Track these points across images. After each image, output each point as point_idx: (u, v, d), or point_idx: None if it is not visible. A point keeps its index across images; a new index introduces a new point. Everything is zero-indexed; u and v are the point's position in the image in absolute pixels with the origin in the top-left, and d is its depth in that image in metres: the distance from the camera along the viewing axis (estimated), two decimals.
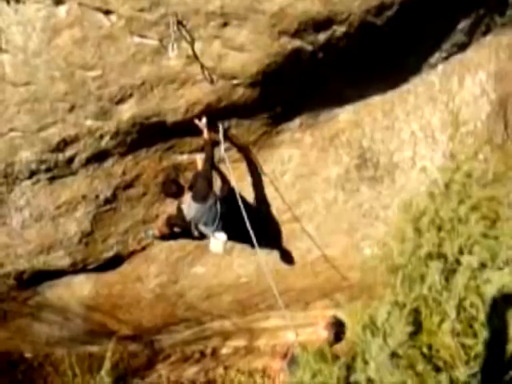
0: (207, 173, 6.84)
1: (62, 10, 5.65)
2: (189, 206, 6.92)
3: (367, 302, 4.09)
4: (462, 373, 3.48)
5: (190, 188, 6.99)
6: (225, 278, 8.50)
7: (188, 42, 5.81)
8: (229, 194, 7.31)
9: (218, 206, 6.92)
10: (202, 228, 7.05)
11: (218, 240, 6.98)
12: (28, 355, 11.16)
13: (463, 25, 6.39)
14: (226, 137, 7.04)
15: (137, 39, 5.84)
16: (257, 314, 9.17)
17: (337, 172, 7.41)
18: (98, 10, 5.63)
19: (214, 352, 10.18)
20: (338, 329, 5.97)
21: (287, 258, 8.06)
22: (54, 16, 5.67)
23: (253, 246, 6.83)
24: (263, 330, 9.49)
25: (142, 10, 5.55)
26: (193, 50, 5.89)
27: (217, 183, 7.43)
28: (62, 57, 5.92)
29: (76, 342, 10.50)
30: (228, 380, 9.37)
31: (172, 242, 8.13)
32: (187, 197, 6.91)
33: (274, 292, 6.10)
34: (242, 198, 6.98)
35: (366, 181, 7.35)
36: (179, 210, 7.11)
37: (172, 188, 7.04)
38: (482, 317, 3.54)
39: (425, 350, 3.56)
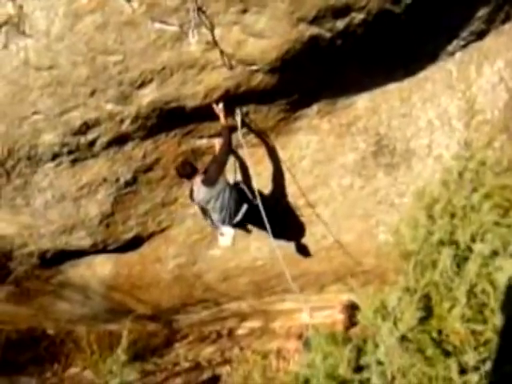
0: (222, 158, 6.84)
1: None
2: (198, 188, 6.96)
3: (380, 287, 4.10)
4: (471, 358, 3.48)
5: (205, 172, 7.02)
6: (241, 260, 8.55)
7: (208, 28, 5.78)
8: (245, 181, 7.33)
9: (227, 193, 6.89)
10: (211, 214, 7.08)
11: (224, 235, 7.02)
12: (50, 332, 11.35)
13: (482, 12, 6.28)
14: (244, 122, 7.05)
15: (157, 25, 5.81)
16: (272, 297, 9.21)
17: (353, 158, 7.38)
18: None
19: (231, 333, 10.27)
20: (353, 312, 5.99)
21: (303, 242, 8.07)
22: (76, 1, 5.63)
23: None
24: (278, 312, 9.53)
25: None
26: (212, 36, 5.86)
27: (233, 170, 7.47)
28: (83, 42, 5.90)
29: (97, 320, 10.64)
30: (243, 360, 9.43)
31: (190, 225, 8.18)
32: (198, 179, 6.94)
33: (287, 276, 6.14)
34: (257, 184, 7.03)
35: (382, 167, 7.31)
36: (191, 191, 7.16)
37: (186, 169, 7.05)
38: (492, 303, 3.54)
39: (434, 334, 3.56)
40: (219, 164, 6.84)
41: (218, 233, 7.20)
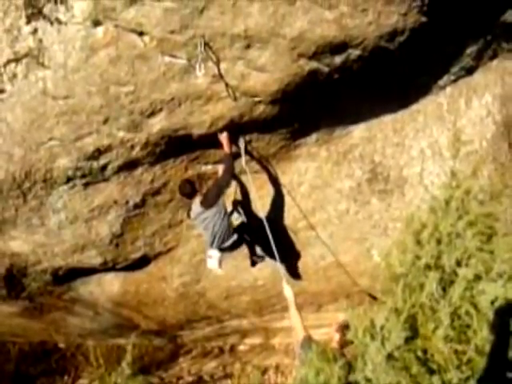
0: (222, 183, 6.84)
1: (99, 30, 5.70)
2: (195, 206, 6.95)
3: (370, 306, 4.12)
4: (454, 376, 3.49)
5: (205, 193, 7.03)
6: (243, 279, 8.53)
7: (214, 62, 5.85)
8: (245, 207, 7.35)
9: (221, 218, 6.86)
10: (203, 233, 7.07)
11: (211, 258, 6.96)
12: (61, 345, 11.32)
13: (471, 50, 6.36)
14: (247, 150, 7.09)
15: (167, 59, 5.88)
16: (273, 315, 9.17)
17: (349, 184, 7.40)
18: (133, 31, 5.68)
19: (232, 348, 10.21)
20: (347, 331, 5.98)
21: (302, 263, 8.07)
22: (91, 36, 5.72)
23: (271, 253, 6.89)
24: (278, 330, 9.49)
25: (172, 32, 5.60)
26: (218, 69, 5.93)
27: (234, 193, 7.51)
28: (98, 73, 5.97)
29: (105, 334, 10.61)
30: (244, 375, 9.39)
31: (194, 245, 8.20)
32: (197, 199, 6.94)
33: (287, 300, 6.16)
34: (259, 207, 7.06)
35: (376, 193, 7.32)
36: (189, 209, 7.18)
37: (186, 188, 7.04)
38: (475, 325, 3.56)
39: (420, 353, 3.57)
40: (219, 188, 6.84)
41: (206, 255, 7.15)
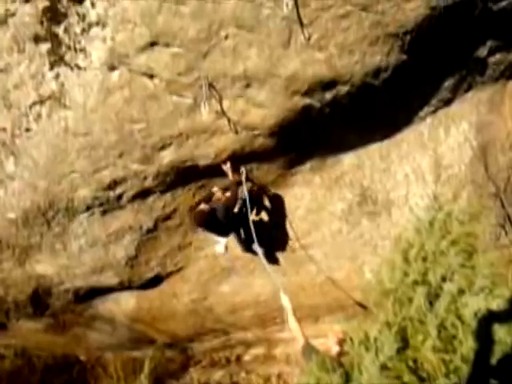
0: (230, 203, 6.71)
1: (114, 74, 5.79)
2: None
3: (364, 319, 4.08)
4: (442, 383, 3.48)
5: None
6: (247, 295, 8.44)
7: (217, 100, 5.90)
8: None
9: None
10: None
11: (219, 243, 6.86)
12: (82, 358, 11.18)
13: (448, 83, 6.41)
14: (248, 178, 7.07)
15: (175, 98, 5.94)
16: (274, 327, 9.06)
17: (341, 207, 7.37)
18: (144, 74, 5.75)
19: (238, 358, 10.08)
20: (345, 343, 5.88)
21: (299, 279, 8.02)
22: (108, 79, 5.80)
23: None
24: (280, 340, 9.37)
25: (179, 75, 5.67)
26: (221, 106, 5.97)
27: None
28: (113, 113, 6.02)
29: (122, 347, 10.50)
30: (249, 383, 9.26)
31: (202, 265, 8.15)
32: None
33: (285, 309, 6.10)
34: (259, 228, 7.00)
35: (366, 215, 7.29)
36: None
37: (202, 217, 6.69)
38: (460, 335, 3.52)
39: (410, 363, 3.52)
40: (225, 209, 6.67)
41: (214, 243, 7.01)
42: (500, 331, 3.60)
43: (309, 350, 5.19)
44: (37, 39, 5.78)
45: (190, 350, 10.46)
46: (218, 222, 6.64)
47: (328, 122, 6.30)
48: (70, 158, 6.50)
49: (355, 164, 7.20)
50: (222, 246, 6.90)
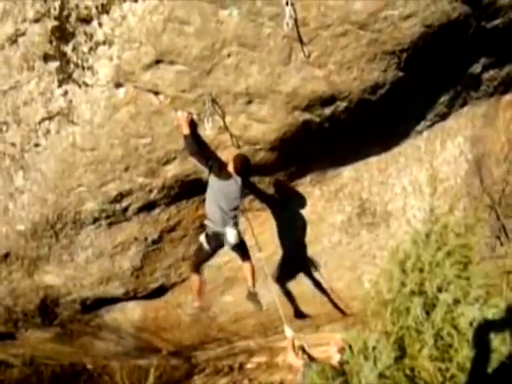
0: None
1: (121, 91, 5.75)
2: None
3: (363, 328, 4.08)
4: None
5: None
6: (249, 305, 8.35)
7: (220, 115, 5.90)
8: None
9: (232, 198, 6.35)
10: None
11: (228, 233, 6.41)
12: (89, 367, 11.15)
13: (444, 99, 6.45)
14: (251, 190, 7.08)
15: (180, 113, 5.90)
16: (276, 336, 9.03)
17: (341, 219, 7.39)
18: (149, 91, 5.74)
19: (241, 366, 10.03)
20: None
21: (300, 289, 8.00)
22: (114, 96, 5.77)
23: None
24: (281, 349, 9.30)
25: (183, 91, 5.66)
26: (224, 122, 5.97)
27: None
28: (120, 128, 6.00)
29: (128, 356, 10.46)
30: None
31: (206, 276, 8.11)
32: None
33: (283, 319, 6.12)
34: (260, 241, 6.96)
35: (365, 226, 7.30)
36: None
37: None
38: (456, 344, 3.51)
39: (408, 371, 3.51)
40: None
41: (225, 232, 6.51)
42: (495, 340, 3.60)
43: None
44: (46, 58, 5.80)
45: (194, 359, 10.43)
46: None
47: (327, 136, 6.32)
48: (77, 172, 6.48)
49: (354, 177, 7.24)
50: (233, 236, 6.44)
